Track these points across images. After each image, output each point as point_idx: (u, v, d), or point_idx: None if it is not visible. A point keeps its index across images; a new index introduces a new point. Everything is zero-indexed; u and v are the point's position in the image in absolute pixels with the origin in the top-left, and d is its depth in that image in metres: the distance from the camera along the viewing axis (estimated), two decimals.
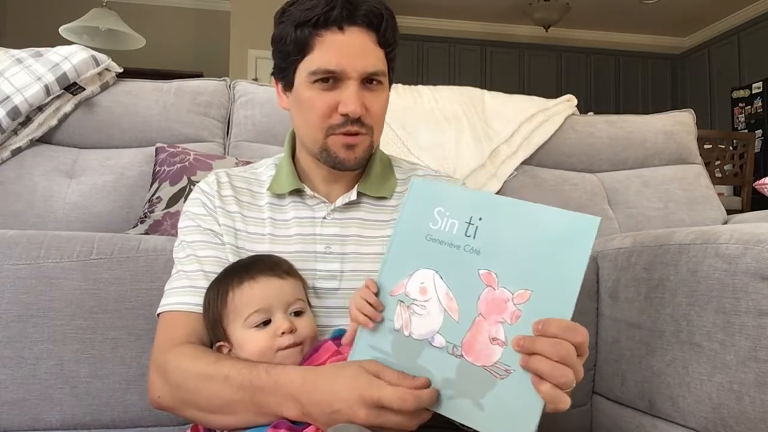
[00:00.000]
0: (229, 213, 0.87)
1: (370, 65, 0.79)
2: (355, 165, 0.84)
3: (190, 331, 0.79)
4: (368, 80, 0.80)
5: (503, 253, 0.58)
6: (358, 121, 0.80)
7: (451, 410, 0.57)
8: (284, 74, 0.84)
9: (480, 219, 0.60)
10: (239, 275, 0.76)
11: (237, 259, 0.82)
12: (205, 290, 0.80)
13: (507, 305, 0.56)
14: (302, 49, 0.80)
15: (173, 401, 0.75)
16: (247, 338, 0.73)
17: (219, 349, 0.77)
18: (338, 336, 0.73)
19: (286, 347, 0.72)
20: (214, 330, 0.77)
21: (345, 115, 0.79)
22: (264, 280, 0.74)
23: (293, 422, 0.66)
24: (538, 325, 0.55)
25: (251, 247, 0.84)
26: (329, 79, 0.79)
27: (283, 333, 0.72)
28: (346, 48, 0.78)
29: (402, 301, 0.62)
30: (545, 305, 0.55)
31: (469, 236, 0.60)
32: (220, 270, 0.82)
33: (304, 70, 0.80)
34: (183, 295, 0.81)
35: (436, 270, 0.61)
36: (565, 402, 0.53)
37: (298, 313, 0.75)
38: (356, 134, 0.81)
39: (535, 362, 0.54)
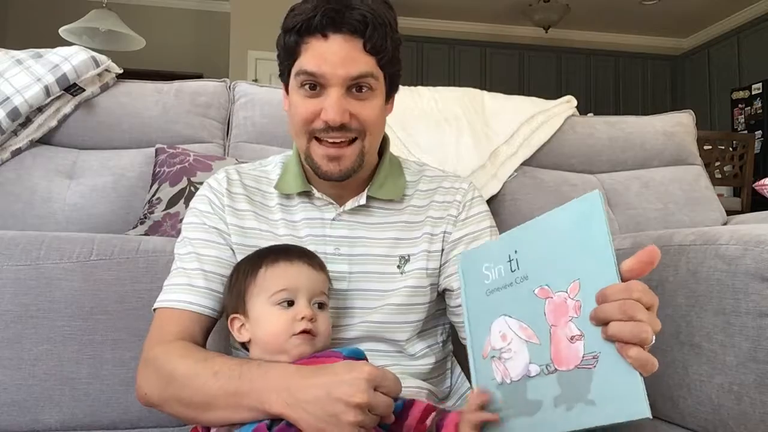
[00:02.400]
0: (238, 211, 0.87)
1: (354, 70, 0.78)
2: (341, 176, 0.82)
3: (183, 329, 0.79)
4: (356, 87, 0.79)
5: (543, 266, 0.63)
6: (342, 128, 0.79)
7: (573, 422, 0.57)
8: (284, 77, 0.86)
9: (515, 252, 0.66)
10: (275, 255, 0.77)
11: None
12: (202, 290, 0.81)
13: (567, 303, 0.59)
14: (291, 54, 0.81)
15: (159, 397, 0.75)
16: (266, 314, 0.74)
17: (231, 322, 0.77)
18: (352, 356, 0.73)
19: (301, 332, 0.72)
20: (236, 302, 0.77)
21: (326, 122, 0.79)
22: (299, 265, 0.76)
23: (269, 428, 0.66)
24: (599, 298, 0.56)
25: (266, 245, 0.84)
26: (314, 85, 0.79)
27: (302, 318, 0.72)
28: (329, 55, 0.77)
29: (494, 356, 0.66)
30: (594, 282, 0.57)
31: (514, 270, 0.65)
32: (220, 270, 0.82)
33: (293, 74, 0.81)
34: (180, 292, 0.81)
35: (504, 314, 0.65)
36: (653, 363, 0.54)
37: (320, 306, 0.76)
38: (340, 144, 0.80)
39: (612, 329, 0.55)
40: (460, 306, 0.85)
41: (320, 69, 0.78)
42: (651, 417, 0.52)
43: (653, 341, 0.55)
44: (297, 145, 0.86)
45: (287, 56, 0.82)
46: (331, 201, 0.87)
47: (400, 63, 0.86)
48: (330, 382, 0.63)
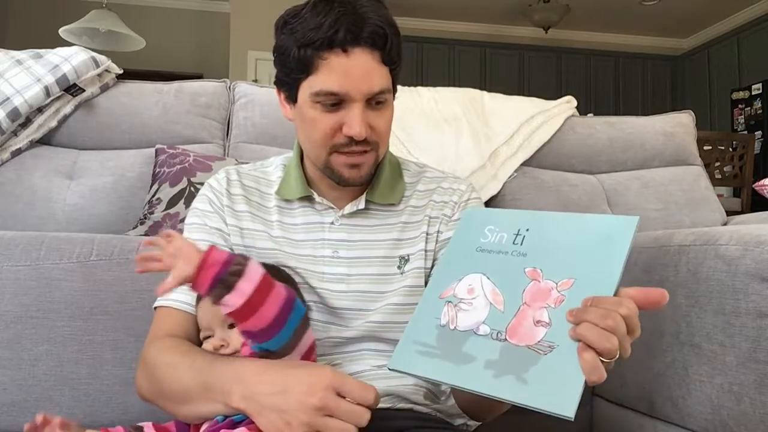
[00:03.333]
0: (237, 212, 0.88)
1: (375, 85, 0.78)
2: (360, 182, 0.84)
3: (178, 327, 0.80)
4: (373, 100, 0.79)
5: (548, 253, 0.64)
6: (363, 141, 0.79)
7: (494, 389, 0.59)
8: (287, 87, 0.83)
9: (527, 230, 0.68)
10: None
11: None
12: None
13: (551, 293, 0.61)
14: (305, 68, 0.78)
15: (149, 392, 0.77)
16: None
17: None
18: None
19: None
20: None
21: (349, 137, 0.79)
22: (202, 303, 0.77)
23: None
24: (588, 301, 0.57)
25: (261, 245, 0.86)
26: (333, 101, 0.78)
27: (215, 349, 0.74)
28: (351, 71, 0.76)
29: (450, 302, 0.67)
30: (587, 289, 0.59)
31: (517, 244, 0.67)
32: None
33: (307, 89, 0.79)
34: (178, 291, 0.82)
35: (484, 273, 0.67)
36: (601, 374, 0.54)
37: (232, 326, 0.75)
38: (362, 153, 0.81)
39: (582, 329, 0.55)
40: None
41: (343, 87, 0.76)
42: (573, 419, 0.53)
43: (614, 359, 0.55)
44: (312, 156, 0.85)
45: (300, 70, 0.79)
46: (331, 205, 0.88)
47: None
48: (287, 380, 0.63)
